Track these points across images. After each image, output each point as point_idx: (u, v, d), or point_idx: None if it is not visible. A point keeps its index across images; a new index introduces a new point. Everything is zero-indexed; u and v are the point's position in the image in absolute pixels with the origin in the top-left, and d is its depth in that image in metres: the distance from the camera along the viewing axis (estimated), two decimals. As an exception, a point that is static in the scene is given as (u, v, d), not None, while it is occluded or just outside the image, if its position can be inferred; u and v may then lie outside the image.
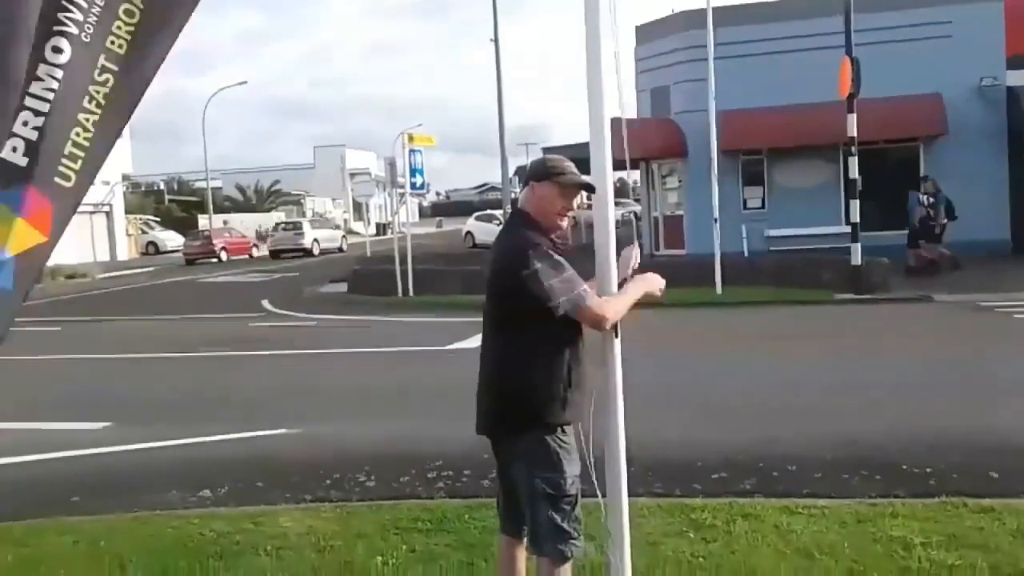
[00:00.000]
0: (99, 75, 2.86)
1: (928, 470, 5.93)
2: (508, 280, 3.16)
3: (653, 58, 24.77)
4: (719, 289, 16.95)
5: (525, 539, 3.39)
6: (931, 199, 18.53)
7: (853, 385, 8.98)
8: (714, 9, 17.89)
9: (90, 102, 2.85)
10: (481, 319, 3.38)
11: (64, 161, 2.82)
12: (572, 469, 3.24)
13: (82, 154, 2.85)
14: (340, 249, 42.20)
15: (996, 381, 8.92)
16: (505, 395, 3.25)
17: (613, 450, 3.30)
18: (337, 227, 48.53)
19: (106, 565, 4.69)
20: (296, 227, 42.28)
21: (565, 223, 3.33)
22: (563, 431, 3.24)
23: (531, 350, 3.17)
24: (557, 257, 3.14)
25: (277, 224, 44.48)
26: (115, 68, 2.88)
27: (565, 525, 3.22)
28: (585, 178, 3.29)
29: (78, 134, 2.84)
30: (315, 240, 40.85)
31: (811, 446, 6.63)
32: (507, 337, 3.24)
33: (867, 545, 4.54)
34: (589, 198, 3.37)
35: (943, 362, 10.16)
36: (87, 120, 2.85)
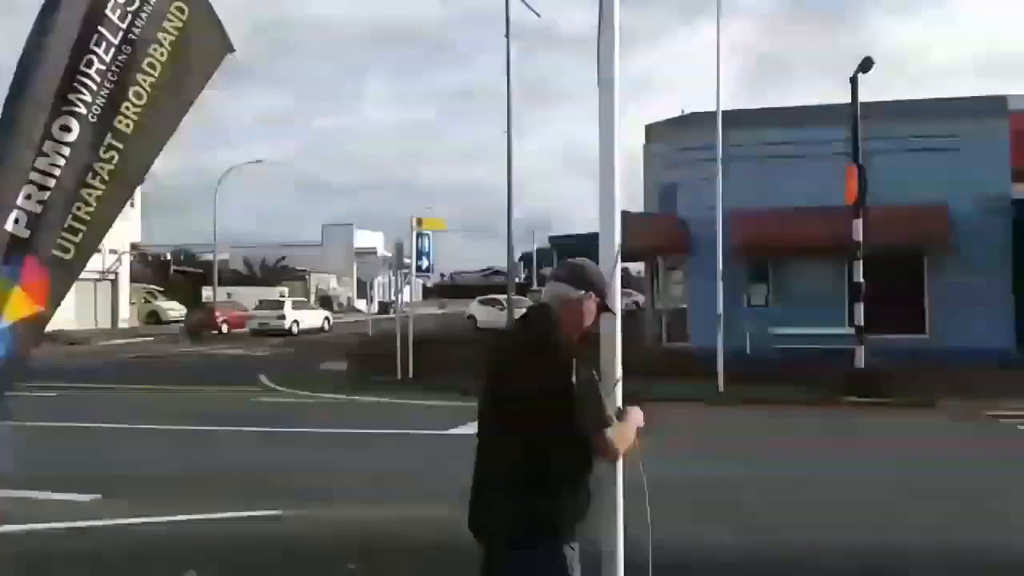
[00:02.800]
0: (104, 152, 2.90)
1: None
2: (543, 388, 2.94)
3: (662, 156, 25.14)
4: (721, 387, 16.83)
5: None
6: None
7: (856, 490, 8.79)
8: (724, 112, 18.23)
9: (94, 178, 2.89)
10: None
11: (64, 234, 2.86)
12: None
13: (83, 227, 2.88)
14: (322, 329, 41.79)
15: (1008, 494, 8.74)
16: (518, 501, 3.00)
17: (610, 547, 3.19)
18: (317, 307, 47.71)
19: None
20: (277, 306, 41.62)
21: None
22: (571, 547, 3.04)
23: (556, 460, 2.97)
24: (592, 373, 3.01)
25: (260, 302, 43.75)
26: (121, 146, 2.92)
27: None
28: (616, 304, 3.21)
29: (79, 208, 2.88)
30: (295, 321, 40.02)
31: (812, 553, 6.46)
32: (528, 440, 2.98)
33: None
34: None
35: (950, 471, 9.97)
36: (89, 195, 2.89)
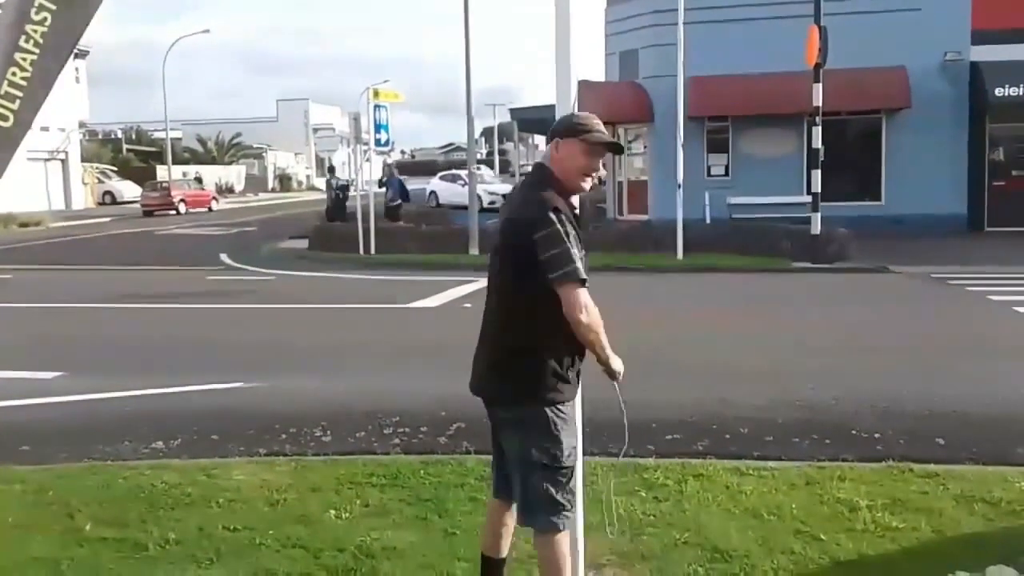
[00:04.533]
0: (36, 14, 2.83)
1: (876, 435, 6.06)
2: (521, 240, 3.00)
3: (622, 21, 24.61)
4: (680, 255, 17.09)
5: (514, 504, 3.29)
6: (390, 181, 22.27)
7: (807, 351, 9.12)
8: (685, -27, 17.81)
9: (27, 41, 2.83)
10: (480, 279, 3.32)
11: (2, 101, 2.80)
12: (569, 440, 3.14)
13: (20, 94, 2.84)
14: (210, 209, 41.49)
15: (946, 350, 9.13)
16: (507, 361, 3.12)
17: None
18: (202, 185, 47.34)
19: (54, 513, 4.64)
20: (163, 187, 41.34)
21: (588, 184, 3.16)
22: (558, 409, 3.12)
23: (540, 317, 3.04)
24: (569, 228, 3.00)
25: (150, 183, 43.31)
26: (52, 7, 2.85)
27: (559, 497, 3.11)
28: (609, 138, 3.18)
29: (15, 74, 2.83)
30: (182, 200, 40.10)
31: (764, 409, 6.74)
32: (514, 300, 3.10)
33: (814, 507, 4.63)
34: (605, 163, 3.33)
35: (896, 330, 10.35)
36: (24, 60, 2.83)
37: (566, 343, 3.08)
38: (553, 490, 3.11)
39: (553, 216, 2.97)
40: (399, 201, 22.62)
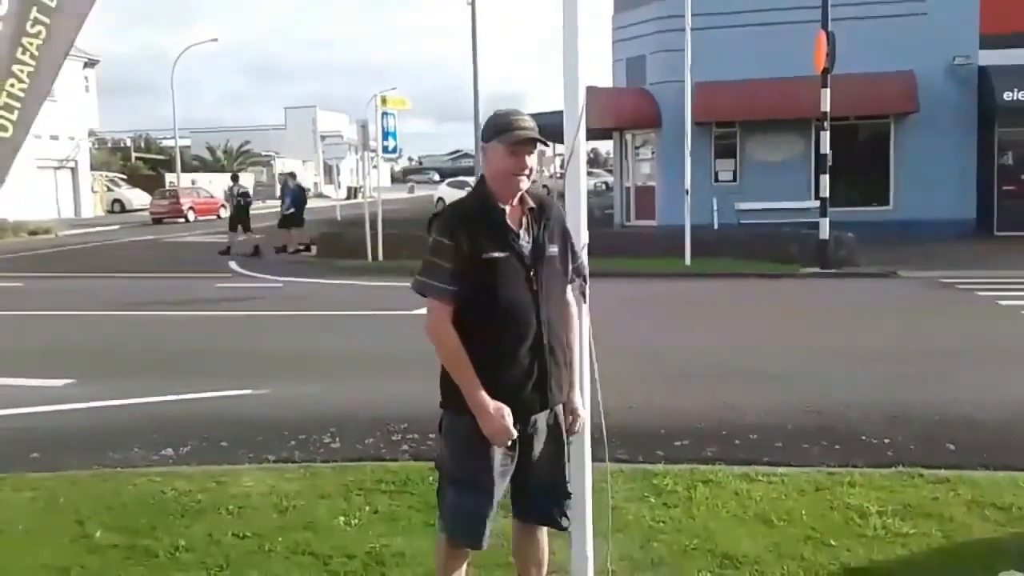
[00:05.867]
0: (32, 27, 2.90)
1: (887, 441, 6.04)
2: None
3: (630, 27, 24.64)
4: (688, 260, 17.07)
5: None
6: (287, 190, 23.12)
7: (816, 356, 9.09)
8: (692, -20, 17.83)
9: (24, 54, 2.91)
10: None
11: (1, 112, 2.89)
12: (458, 455, 3.05)
13: (18, 105, 2.91)
14: (218, 216, 41.12)
15: (956, 355, 9.09)
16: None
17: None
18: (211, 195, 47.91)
19: (64, 520, 4.65)
20: (174, 195, 41.84)
21: (523, 183, 2.99)
22: (462, 418, 2.99)
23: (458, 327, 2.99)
24: (448, 242, 2.90)
25: (159, 191, 43.71)
26: (47, 20, 2.92)
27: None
28: (530, 133, 2.96)
29: (13, 85, 2.90)
30: (191, 207, 40.56)
31: (773, 415, 6.72)
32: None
33: (824, 512, 4.61)
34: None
35: (905, 335, 10.31)
36: (21, 72, 2.90)
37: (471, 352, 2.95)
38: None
39: (436, 223, 2.98)
40: (293, 210, 22.94)
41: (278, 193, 26.37)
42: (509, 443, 2.99)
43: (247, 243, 22.45)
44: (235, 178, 25.94)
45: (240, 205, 23.31)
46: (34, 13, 2.88)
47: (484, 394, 2.91)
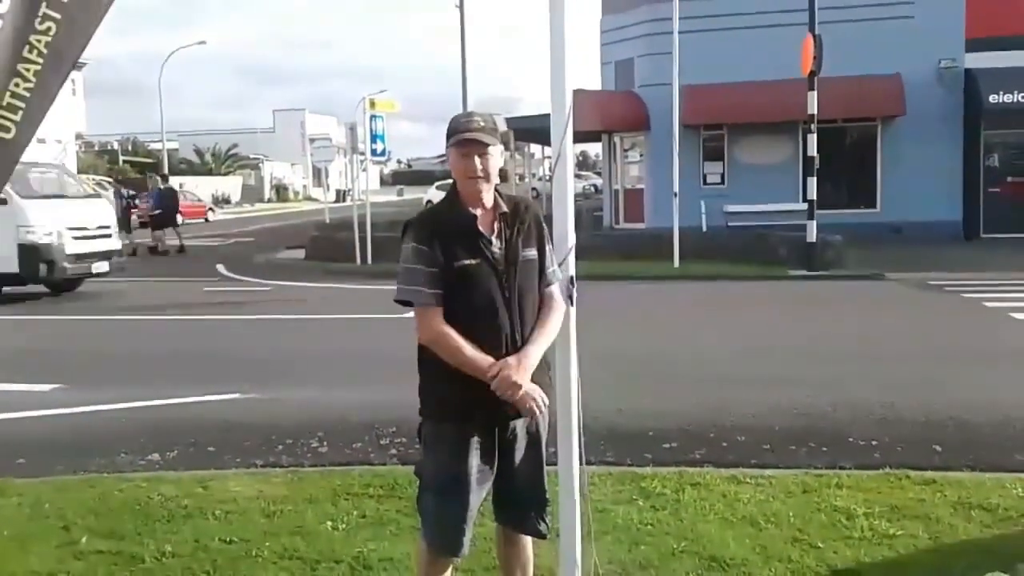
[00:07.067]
0: (40, 24, 2.78)
1: (874, 442, 6.06)
2: None
3: (618, 30, 24.69)
4: (676, 263, 17.11)
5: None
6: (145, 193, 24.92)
7: (804, 358, 9.12)
8: (680, -17, 17.89)
9: (31, 51, 2.78)
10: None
11: (4, 112, 2.76)
12: (436, 462, 3.06)
13: (22, 105, 2.79)
14: (206, 219, 41.71)
15: (943, 357, 9.13)
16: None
17: (566, 419, 3.29)
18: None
19: (50, 525, 4.63)
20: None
21: (481, 186, 2.95)
22: (441, 425, 3.05)
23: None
24: (424, 247, 2.91)
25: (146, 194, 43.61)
26: (58, 17, 2.80)
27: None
28: (471, 134, 2.91)
29: (18, 84, 2.78)
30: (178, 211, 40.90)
31: (761, 417, 6.74)
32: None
33: (811, 514, 4.62)
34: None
35: (892, 337, 10.36)
36: (28, 70, 2.78)
37: (437, 360, 2.98)
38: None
39: (412, 231, 2.97)
40: (160, 211, 23.76)
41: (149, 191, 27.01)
42: (484, 452, 3.02)
43: (142, 245, 23.93)
44: (122, 182, 26.65)
45: (127, 207, 23.93)
46: (43, 9, 2.77)
47: (493, 361, 2.89)
